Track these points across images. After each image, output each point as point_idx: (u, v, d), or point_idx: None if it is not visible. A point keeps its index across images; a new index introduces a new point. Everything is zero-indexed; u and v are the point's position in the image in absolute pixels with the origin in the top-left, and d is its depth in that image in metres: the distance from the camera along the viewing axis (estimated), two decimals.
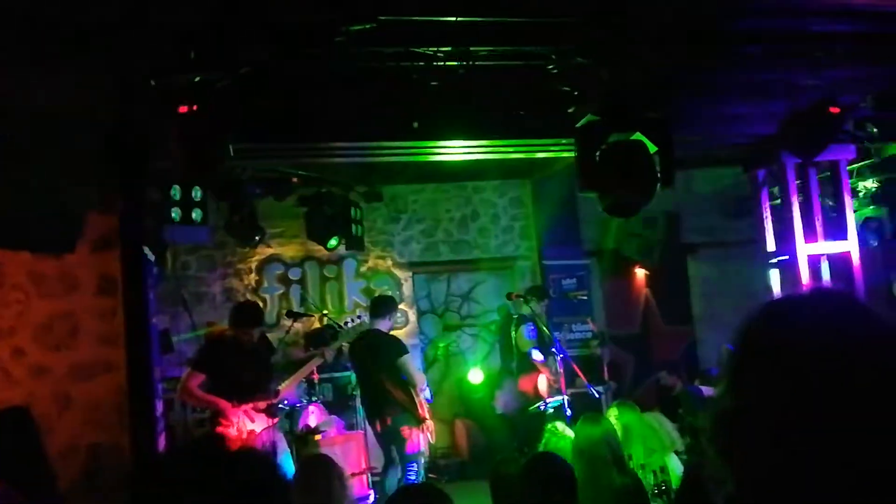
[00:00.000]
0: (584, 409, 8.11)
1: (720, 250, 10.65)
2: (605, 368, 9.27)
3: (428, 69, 5.38)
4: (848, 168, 7.33)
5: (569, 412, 7.98)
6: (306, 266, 10.07)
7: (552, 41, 5.41)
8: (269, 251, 9.91)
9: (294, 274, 10.03)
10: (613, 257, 10.50)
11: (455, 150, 6.62)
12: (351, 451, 7.71)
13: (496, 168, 9.94)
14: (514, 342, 8.56)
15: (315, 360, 7.39)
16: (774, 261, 7.17)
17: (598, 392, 8.44)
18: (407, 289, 10.31)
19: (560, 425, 5.75)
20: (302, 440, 7.60)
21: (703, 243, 10.86)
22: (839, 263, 6.97)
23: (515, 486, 4.07)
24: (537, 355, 8.32)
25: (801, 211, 6.91)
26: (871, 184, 8.65)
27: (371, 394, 7.25)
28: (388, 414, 6.99)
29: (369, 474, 7.75)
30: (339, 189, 9.24)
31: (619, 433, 5.75)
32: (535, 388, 8.30)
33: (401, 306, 9.53)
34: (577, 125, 5.58)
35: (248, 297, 9.44)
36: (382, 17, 4.68)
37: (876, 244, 8.77)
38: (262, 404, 6.39)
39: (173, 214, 6.79)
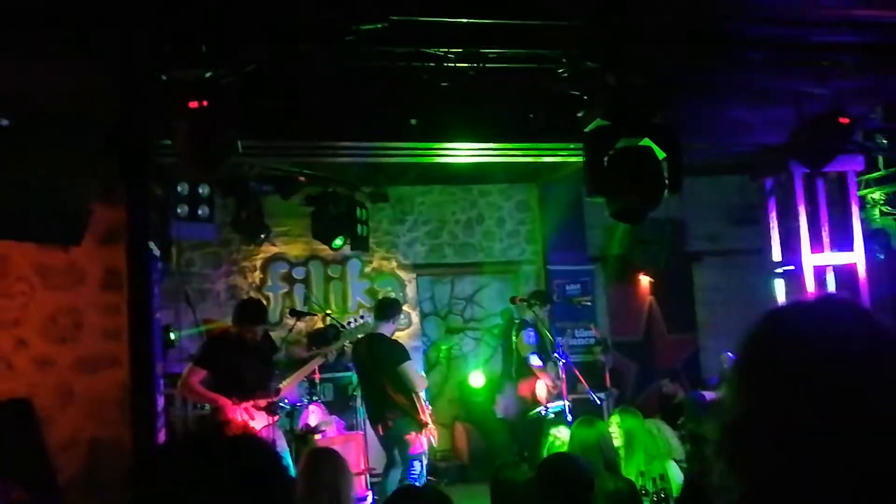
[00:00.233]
0: (585, 415, 8.12)
1: (725, 258, 10.64)
2: (607, 375, 9.25)
3: (437, 70, 5.37)
4: (864, 178, 7.36)
5: (570, 418, 7.97)
6: (311, 265, 10.07)
7: (561, 44, 5.41)
8: (274, 249, 9.92)
9: (298, 273, 10.04)
10: (618, 263, 10.48)
11: (462, 152, 6.61)
12: (350, 451, 7.70)
13: (503, 171, 9.93)
14: (514, 347, 8.57)
15: (317, 360, 7.39)
16: (780, 270, 7.14)
17: (599, 398, 8.43)
18: (411, 290, 10.31)
19: (563, 430, 5.74)
20: (301, 439, 7.60)
21: (708, 251, 10.84)
22: (845, 274, 6.95)
23: (517, 491, 4.07)
24: (535, 360, 8.31)
25: (807, 221, 6.89)
26: (878, 195, 8.64)
27: (372, 397, 7.26)
28: (390, 418, 7.00)
29: (368, 475, 7.74)
30: (345, 189, 9.24)
31: (622, 439, 5.74)
32: (533, 393, 8.30)
33: (404, 308, 9.52)
34: (586, 130, 5.57)
35: (252, 295, 9.45)
36: (393, 17, 4.68)
37: (882, 256, 8.74)
38: (263, 402, 6.40)
39: (179, 210, 6.80)
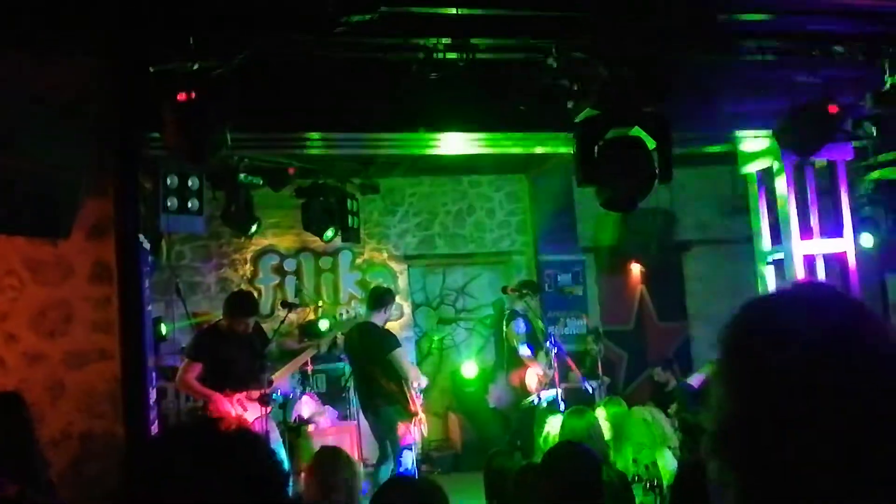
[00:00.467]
0: (577, 403, 8.15)
1: (715, 247, 10.67)
2: (599, 364, 9.28)
3: (427, 61, 5.36)
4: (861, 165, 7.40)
5: (562, 406, 7.99)
6: (302, 257, 10.05)
7: (552, 35, 5.41)
8: (265, 242, 9.89)
9: (289, 265, 10.02)
10: (609, 253, 10.50)
11: (452, 143, 6.60)
12: (344, 442, 7.71)
13: (493, 162, 9.92)
14: (505, 336, 8.60)
15: (309, 351, 7.39)
16: (770, 259, 7.17)
17: (591, 387, 8.46)
18: (402, 281, 10.31)
19: (556, 423, 5.76)
20: (294, 431, 7.61)
21: (698, 240, 10.87)
22: (835, 262, 6.99)
23: (510, 479, 4.08)
24: (524, 350, 8.34)
25: (797, 209, 6.91)
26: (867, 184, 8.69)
27: (364, 386, 7.29)
28: (380, 405, 7.03)
29: (362, 466, 7.75)
30: (335, 181, 9.22)
31: (609, 430, 5.76)
32: (523, 382, 8.32)
33: (396, 299, 9.52)
34: (576, 119, 5.57)
35: (243, 287, 9.42)
36: (383, 8, 4.66)
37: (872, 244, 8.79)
38: (256, 393, 6.40)
39: (169, 203, 6.76)
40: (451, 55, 5.38)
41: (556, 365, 8.06)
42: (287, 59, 5.34)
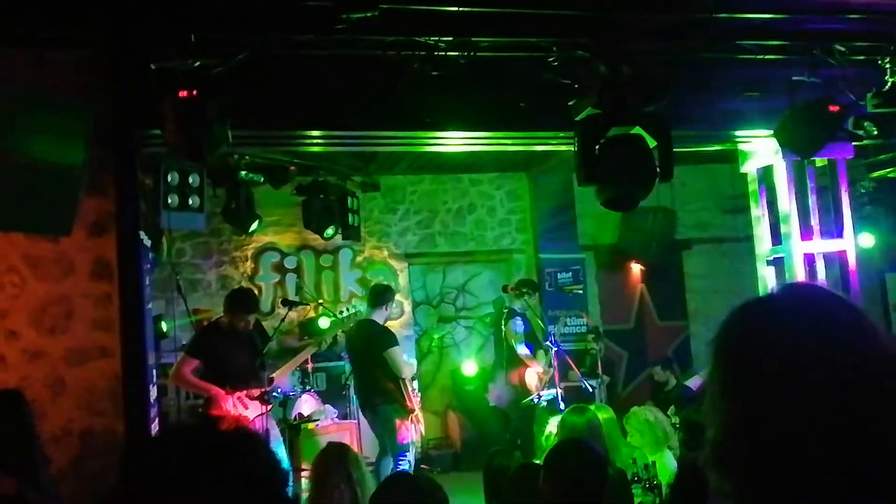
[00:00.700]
0: (577, 402, 8.15)
1: (716, 246, 10.68)
2: (599, 363, 9.29)
3: (428, 59, 5.36)
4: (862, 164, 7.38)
5: (562, 405, 8.00)
6: (302, 255, 10.06)
7: (552, 33, 5.40)
8: (266, 239, 9.89)
9: (290, 263, 10.02)
10: (609, 252, 10.50)
11: (453, 141, 6.60)
12: (343, 440, 7.71)
13: (494, 160, 9.93)
14: (503, 335, 8.61)
15: (309, 349, 7.40)
16: (770, 258, 7.17)
17: (591, 386, 8.47)
18: (403, 279, 10.31)
19: (557, 419, 5.76)
20: (295, 429, 7.61)
21: (698, 239, 10.87)
22: (835, 261, 6.98)
23: (510, 478, 4.07)
24: (522, 349, 8.34)
25: (797, 208, 6.91)
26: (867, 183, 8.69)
27: (362, 383, 7.32)
28: (378, 403, 7.07)
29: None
30: (336, 178, 9.22)
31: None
32: (522, 381, 8.33)
33: (396, 297, 9.53)
34: (577, 118, 5.57)
35: (244, 284, 9.43)
36: (383, 6, 4.66)
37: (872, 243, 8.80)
38: (256, 391, 6.40)
39: (170, 200, 6.76)
40: (452, 53, 5.38)
41: (555, 364, 8.07)
42: (287, 57, 5.34)
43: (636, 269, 10.84)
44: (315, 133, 6.30)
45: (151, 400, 5.77)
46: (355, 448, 7.71)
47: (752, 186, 7.34)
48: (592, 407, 5.97)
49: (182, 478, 1.31)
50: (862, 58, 5.97)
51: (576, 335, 9.93)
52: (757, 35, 5.80)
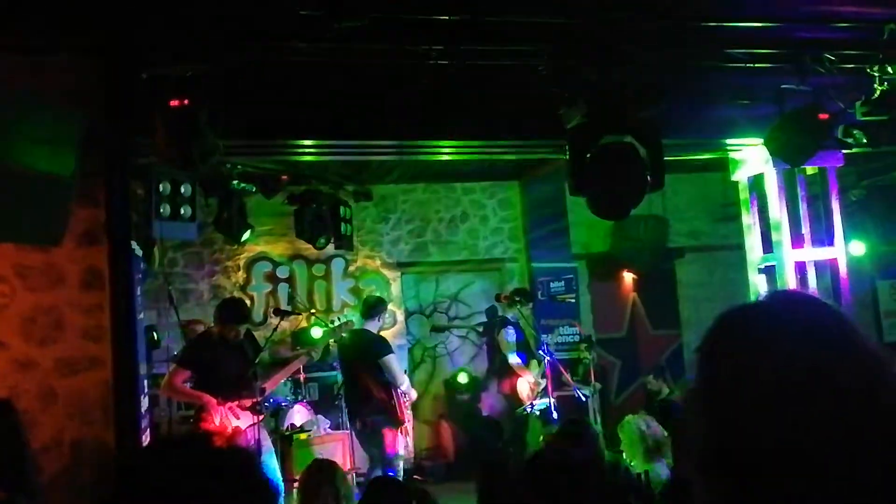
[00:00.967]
0: (570, 411, 8.15)
1: (708, 254, 10.70)
2: (592, 371, 9.29)
3: (418, 67, 5.37)
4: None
5: (555, 415, 8.00)
6: (294, 264, 10.04)
7: (543, 41, 5.42)
8: (258, 249, 9.88)
9: (282, 272, 10.00)
10: (601, 260, 10.52)
11: (444, 150, 6.61)
12: (336, 451, 7.70)
13: (486, 169, 9.95)
14: (495, 344, 8.60)
15: (301, 359, 7.38)
16: (761, 266, 7.19)
17: (584, 395, 8.46)
18: (395, 289, 10.30)
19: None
20: (287, 439, 7.58)
21: (691, 247, 10.90)
22: (826, 269, 7.01)
23: (506, 488, 4.05)
24: (514, 359, 8.34)
25: (788, 216, 6.94)
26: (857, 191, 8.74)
27: (353, 392, 7.29)
28: (368, 413, 7.03)
29: (354, 474, 7.73)
30: (328, 188, 9.21)
31: None
32: (514, 390, 8.32)
33: (389, 306, 9.51)
34: (568, 127, 5.58)
35: (236, 294, 9.41)
36: (374, 15, 4.67)
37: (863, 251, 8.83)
38: (248, 402, 6.37)
39: (161, 210, 6.74)
40: (442, 62, 5.39)
41: (548, 374, 8.06)
42: (279, 66, 5.35)
43: (628, 277, 10.85)
44: (307, 142, 6.31)
45: (142, 410, 5.75)
46: (347, 459, 7.71)
47: (743, 195, 7.37)
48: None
49: (172, 492, 1.30)
50: (851, 66, 6.01)
51: (568, 344, 9.92)
52: (747, 43, 5.83)
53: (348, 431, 7.94)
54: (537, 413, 8.22)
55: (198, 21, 4.80)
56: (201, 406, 6.36)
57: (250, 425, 6.35)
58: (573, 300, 10.22)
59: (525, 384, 8.27)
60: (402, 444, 7.11)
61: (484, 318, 10.15)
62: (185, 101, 4.75)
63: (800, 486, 0.99)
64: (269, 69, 5.34)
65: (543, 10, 5.14)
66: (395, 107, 5.62)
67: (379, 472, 7.02)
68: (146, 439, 5.81)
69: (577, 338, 9.93)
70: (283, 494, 6.50)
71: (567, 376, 8.41)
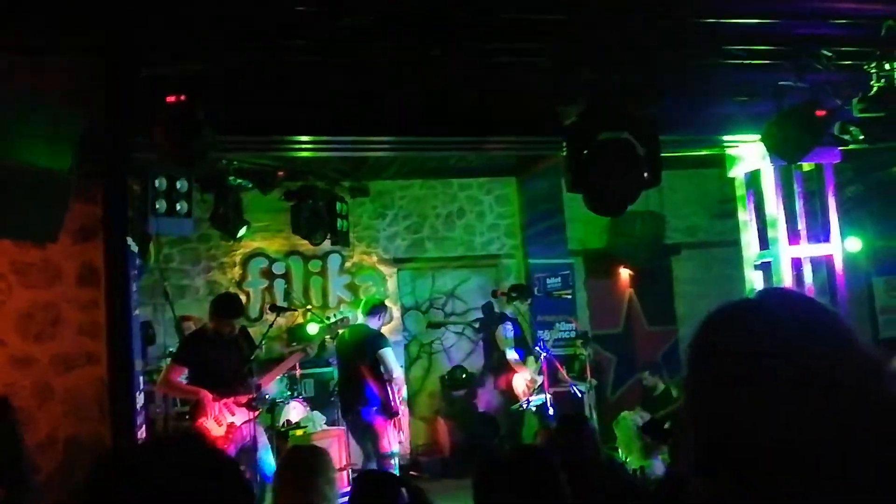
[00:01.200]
0: (566, 407, 8.16)
1: (705, 250, 10.71)
2: (588, 368, 9.30)
3: (417, 64, 5.36)
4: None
5: (551, 411, 8.01)
6: (290, 261, 10.02)
7: (541, 38, 5.41)
8: (254, 245, 9.86)
9: (278, 268, 9.99)
10: (598, 257, 10.52)
11: (441, 145, 6.61)
12: (332, 447, 7.68)
13: (483, 165, 9.94)
14: (492, 340, 8.61)
15: (297, 355, 7.38)
16: (758, 262, 7.20)
17: (580, 391, 8.47)
18: (391, 285, 10.30)
19: None
20: (283, 436, 7.58)
21: (687, 243, 10.90)
22: (822, 265, 7.02)
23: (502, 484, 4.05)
24: (511, 354, 8.34)
25: (784, 213, 6.95)
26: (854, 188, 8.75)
27: (348, 386, 7.32)
28: (362, 406, 7.05)
29: (350, 470, 7.73)
30: (325, 183, 9.20)
31: None
32: (510, 386, 8.33)
33: (385, 302, 9.51)
34: (566, 123, 5.58)
35: (232, 290, 9.39)
36: (374, 13, 4.66)
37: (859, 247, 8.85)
38: (243, 398, 6.37)
39: (157, 206, 6.73)
40: (442, 58, 5.38)
41: (544, 370, 8.07)
42: (276, 62, 5.33)
43: (625, 273, 10.86)
44: (304, 138, 6.30)
45: (138, 407, 5.74)
46: (343, 455, 7.71)
47: (740, 191, 7.38)
48: None
49: (152, 490, 1.29)
50: (848, 63, 6.01)
51: (565, 340, 9.93)
52: (744, 40, 5.82)
53: (344, 427, 7.94)
54: (533, 409, 8.23)
55: (197, 21, 4.77)
56: (196, 402, 6.36)
57: (245, 421, 6.35)
58: (569, 296, 10.22)
59: (521, 380, 8.28)
60: (396, 439, 7.13)
61: (480, 315, 10.16)
62: (182, 98, 4.74)
63: (793, 484, 0.99)
64: (268, 66, 5.33)
65: (542, 7, 5.12)
66: (393, 103, 5.61)
67: (374, 468, 7.03)
68: (142, 435, 5.80)
69: (573, 334, 9.94)
70: None
71: (563, 372, 8.42)
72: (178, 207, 6.90)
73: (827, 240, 6.99)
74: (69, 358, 5.31)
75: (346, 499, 4.24)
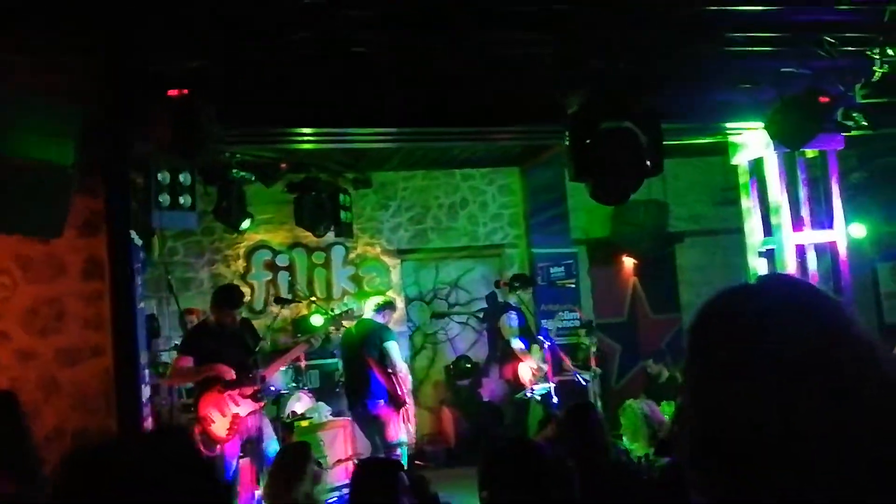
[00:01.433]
0: (570, 396, 8.18)
1: (708, 238, 10.70)
2: (592, 356, 9.31)
3: (421, 54, 5.35)
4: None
5: (555, 400, 8.03)
6: (294, 253, 10.04)
7: (545, 28, 5.40)
8: (257, 237, 9.87)
9: (282, 260, 10.00)
10: (601, 245, 10.52)
11: (445, 137, 6.60)
12: (337, 437, 7.72)
13: (485, 155, 9.93)
14: (498, 330, 8.62)
15: (301, 346, 7.40)
16: (761, 249, 7.19)
17: (584, 380, 8.49)
18: (395, 276, 10.31)
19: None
20: (289, 427, 7.61)
21: (690, 231, 10.89)
22: (826, 252, 7.01)
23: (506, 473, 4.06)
24: (517, 344, 8.35)
25: (788, 200, 6.93)
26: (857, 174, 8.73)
27: (355, 377, 7.37)
28: (368, 398, 7.09)
29: (356, 460, 7.76)
30: (328, 175, 9.20)
31: None
32: (516, 375, 8.34)
33: (389, 293, 9.54)
34: (569, 113, 5.57)
35: (236, 283, 9.40)
36: (377, 4, 4.65)
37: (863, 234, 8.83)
38: (248, 390, 6.39)
39: (161, 199, 6.73)
40: (444, 48, 5.37)
41: (548, 359, 8.08)
42: (278, 54, 5.32)
43: (629, 262, 10.85)
44: (307, 130, 6.29)
45: (144, 399, 5.76)
46: (349, 446, 7.73)
47: (743, 178, 7.36)
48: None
49: (129, 485, 1.30)
50: (851, 49, 5.98)
51: (569, 329, 9.94)
52: (747, 27, 5.80)
53: (349, 418, 7.98)
54: (538, 398, 8.25)
55: (198, 19, 4.77)
56: (201, 392, 6.37)
57: (250, 412, 6.38)
58: (573, 285, 10.23)
59: (527, 369, 8.29)
60: (404, 430, 7.16)
61: (484, 305, 10.17)
62: (185, 91, 4.74)
63: (787, 478, 0.98)
64: (269, 59, 5.32)
65: None
66: (396, 94, 5.60)
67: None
68: (148, 427, 5.83)
69: (577, 323, 9.95)
70: None
71: (567, 362, 8.43)
72: (181, 201, 6.89)
73: (831, 226, 6.98)
74: (75, 351, 5.33)
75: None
